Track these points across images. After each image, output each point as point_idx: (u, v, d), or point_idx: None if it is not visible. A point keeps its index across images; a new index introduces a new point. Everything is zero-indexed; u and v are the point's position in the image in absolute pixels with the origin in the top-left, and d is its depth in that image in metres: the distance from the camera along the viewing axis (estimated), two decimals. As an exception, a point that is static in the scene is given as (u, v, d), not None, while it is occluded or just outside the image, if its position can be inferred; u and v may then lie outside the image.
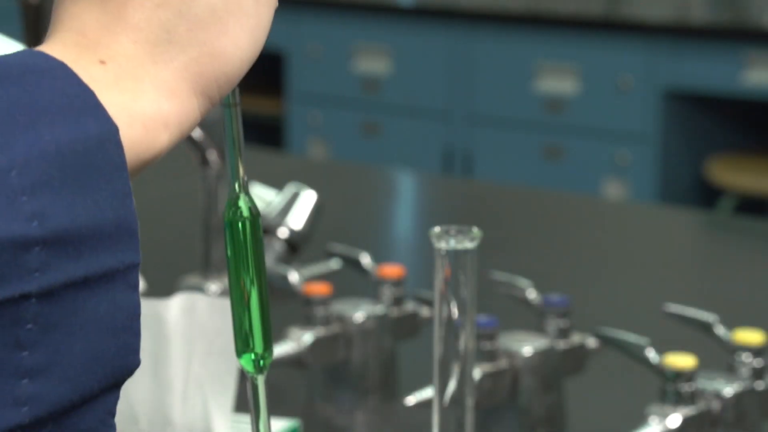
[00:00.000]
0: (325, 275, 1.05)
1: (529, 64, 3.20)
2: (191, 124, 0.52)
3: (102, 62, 0.51)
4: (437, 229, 0.68)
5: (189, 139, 1.04)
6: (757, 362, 0.89)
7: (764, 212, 3.11)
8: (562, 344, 0.94)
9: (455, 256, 0.67)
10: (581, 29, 3.14)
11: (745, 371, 0.89)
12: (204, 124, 1.04)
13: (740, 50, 2.98)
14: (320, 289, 0.98)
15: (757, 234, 1.55)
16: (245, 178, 0.58)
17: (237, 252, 0.55)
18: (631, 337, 0.90)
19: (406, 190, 1.81)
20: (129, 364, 0.51)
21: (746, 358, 0.89)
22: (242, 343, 0.55)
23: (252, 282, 0.56)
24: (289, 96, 3.51)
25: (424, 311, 1.01)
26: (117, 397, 0.52)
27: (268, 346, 0.55)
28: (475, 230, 0.68)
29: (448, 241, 0.67)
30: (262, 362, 0.55)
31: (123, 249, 0.50)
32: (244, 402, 0.84)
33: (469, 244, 0.68)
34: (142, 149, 0.51)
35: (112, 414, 0.52)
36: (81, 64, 0.50)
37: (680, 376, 0.86)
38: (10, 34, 1.20)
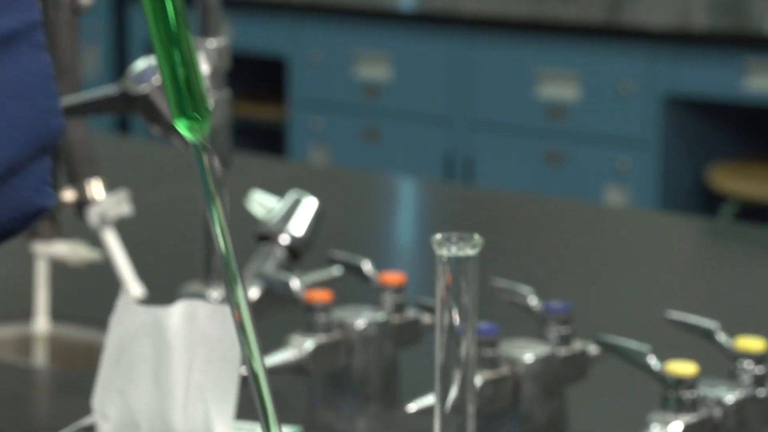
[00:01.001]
0: (327, 282, 1.05)
1: (530, 70, 3.20)
2: None
3: None
4: (439, 236, 0.68)
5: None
6: (759, 369, 0.89)
7: (765, 219, 3.11)
8: (563, 351, 0.94)
9: (456, 263, 0.67)
10: (582, 35, 3.14)
11: (746, 378, 0.89)
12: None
13: (741, 57, 2.98)
14: (321, 295, 0.98)
15: (758, 240, 1.55)
16: None
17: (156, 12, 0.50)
18: (632, 344, 0.90)
19: (407, 197, 1.81)
20: (52, 127, 0.49)
21: (748, 365, 0.89)
22: (176, 107, 0.51)
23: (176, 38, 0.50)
24: (290, 102, 3.52)
25: (426, 318, 1.01)
26: (49, 165, 0.50)
27: (205, 107, 0.51)
28: (477, 237, 0.68)
29: (450, 248, 0.67)
30: (200, 127, 0.51)
31: (21, 7, 0.48)
32: (245, 409, 0.84)
33: (470, 251, 0.68)
34: None
35: (47, 182, 0.50)
36: None
37: (682, 383, 0.86)
38: None
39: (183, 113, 0.51)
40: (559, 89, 3.17)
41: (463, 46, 3.28)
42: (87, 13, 1.14)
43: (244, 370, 0.95)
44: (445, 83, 3.31)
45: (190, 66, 0.51)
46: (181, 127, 0.51)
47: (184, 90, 0.51)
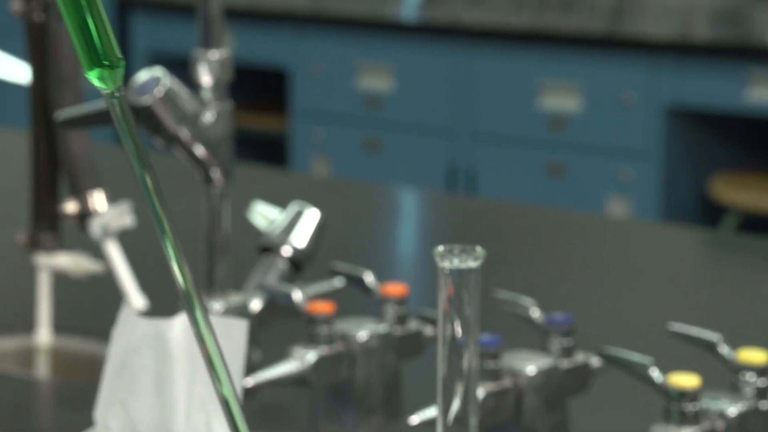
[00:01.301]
0: (329, 294, 1.05)
1: (532, 81, 3.20)
2: None
3: None
4: (441, 248, 0.67)
5: (193, 158, 1.04)
6: (762, 382, 0.89)
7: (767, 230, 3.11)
8: (565, 363, 0.94)
9: (459, 275, 0.67)
10: (584, 46, 3.14)
11: (749, 391, 0.89)
12: (207, 142, 1.04)
13: (743, 68, 2.99)
14: (324, 307, 0.98)
15: (760, 252, 1.55)
16: None
17: None
18: (634, 356, 0.90)
19: (409, 208, 1.81)
20: None
21: (750, 377, 0.89)
22: (87, 59, 0.50)
23: None
24: (292, 113, 3.52)
25: (428, 330, 1.01)
26: None
27: (116, 56, 0.50)
28: (479, 249, 0.68)
29: (452, 261, 0.67)
30: (112, 75, 0.50)
31: None
32: (248, 420, 0.84)
33: (472, 264, 0.68)
34: None
35: None
36: None
37: (684, 395, 0.86)
38: (15, 51, 1.21)
39: (94, 64, 0.50)
40: (561, 100, 3.17)
41: (465, 57, 3.29)
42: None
43: (246, 382, 0.94)
44: (447, 94, 3.32)
45: (96, 15, 0.50)
46: (94, 78, 0.50)
47: (94, 40, 0.50)
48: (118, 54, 0.51)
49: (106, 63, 0.50)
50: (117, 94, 0.51)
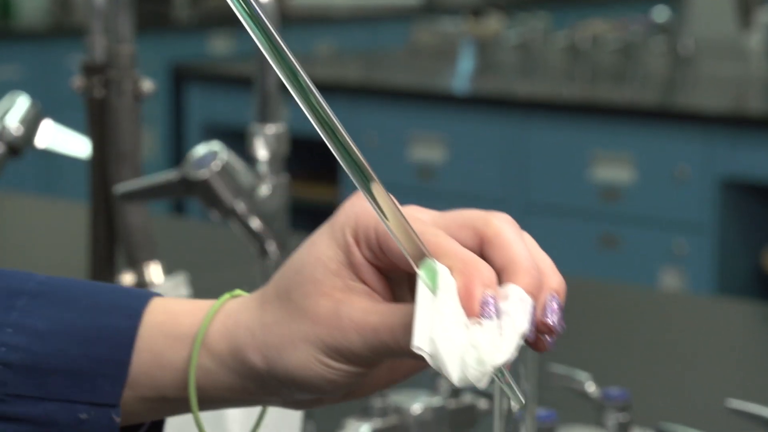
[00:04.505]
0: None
1: (584, 153, 3.20)
2: None
3: None
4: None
5: (249, 230, 1.04)
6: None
7: (824, 302, 3.07)
8: (622, 439, 0.93)
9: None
10: (637, 118, 3.14)
11: (809, 469, 0.87)
12: (263, 215, 1.05)
13: (797, 139, 2.97)
14: (378, 380, 0.97)
15: (818, 326, 1.53)
16: None
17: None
18: (692, 433, 0.89)
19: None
20: None
21: (810, 455, 0.88)
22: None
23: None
24: (344, 183, 3.54)
25: (482, 403, 1.01)
26: None
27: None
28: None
29: (509, 336, 0.67)
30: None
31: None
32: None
33: (529, 339, 0.67)
34: None
35: None
36: None
37: (743, 473, 0.85)
38: (76, 126, 1.23)
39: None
40: (614, 172, 3.16)
41: (517, 128, 3.30)
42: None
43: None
44: (499, 165, 3.32)
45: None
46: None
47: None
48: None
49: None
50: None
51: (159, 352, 0.61)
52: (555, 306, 0.59)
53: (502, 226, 0.60)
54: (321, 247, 0.60)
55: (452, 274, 0.57)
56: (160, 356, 0.61)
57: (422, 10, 5.21)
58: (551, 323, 0.59)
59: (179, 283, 1.14)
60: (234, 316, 0.61)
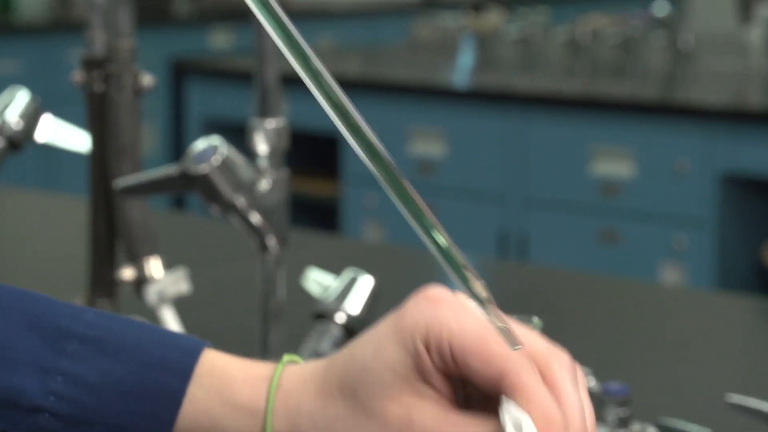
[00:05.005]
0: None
1: (584, 148, 3.20)
2: None
3: None
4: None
5: (248, 225, 1.04)
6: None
7: (824, 297, 3.07)
8: (622, 434, 0.93)
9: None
10: (637, 113, 3.14)
11: (809, 464, 0.87)
12: (263, 210, 1.05)
13: (797, 134, 2.97)
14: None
15: (818, 321, 1.53)
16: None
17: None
18: (693, 428, 0.89)
19: (462, 275, 1.81)
20: None
21: (810, 450, 0.87)
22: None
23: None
24: (344, 178, 3.54)
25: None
26: None
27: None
28: (536, 320, 0.68)
29: (509, 331, 0.67)
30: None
31: None
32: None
33: (529, 334, 0.67)
34: None
35: None
36: None
37: (743, 468, 0.85)
38: (75, 121, 1.23)
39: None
40: (614, 167, 3.16)
41: (517, 122, 3.29)
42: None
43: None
44: (499, 160, 3.32)
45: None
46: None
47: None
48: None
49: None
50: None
51: (217, 419, 0.61)
52: None
53: (562, 375, 0.60)
54: (389, 351, 0.60)
55: (532, 420, 0.58)
56: (219, 424, 0.61)
57: (422, 5, 5.21)
58: None
59: (179, 278, 1.14)
60: (295, 398, 0.61)
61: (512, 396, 0.58)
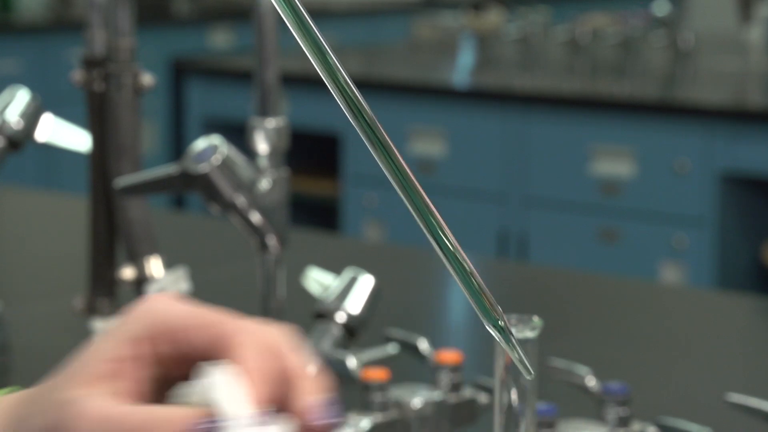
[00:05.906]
0: (383, 360, 1.04)
1: (584, 147, 3.20)
2: None
3: None
4: (498, 317, 0.67)
5: (249, 224, 1.04)
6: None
7: (824, 297, 3.07)
8: (622, 433, 0.93)
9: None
10: (637, 112, 3.14)
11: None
12: (263, 209, 1.05)
13: (797, 134, 2.97)
14: (378, 374, 0.97)
15: (818, 320, 1.53)
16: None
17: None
18: (693, 428, 0.89)
19: (462, 274, 1.81)
20: None
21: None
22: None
23: None
24: (344, 178, 3.54)
25: (482, 398, 1.01)
26: None
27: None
28: (536, 319, 0.68)
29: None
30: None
31: None
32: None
33: (529, 334, 0.68)
34: None
35: None
36: None
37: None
38: (75, 120, 1.23)
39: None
40: (614, 166, 3.16)
41: (517, 122, 3.29)
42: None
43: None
44: (498, 159, 3.32)
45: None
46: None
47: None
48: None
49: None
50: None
51: None
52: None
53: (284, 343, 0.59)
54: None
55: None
56: None
57: (422, 5, 5.21)
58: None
59: (179, 278, 1.14)
60: None
61: (230, 351, 0.57)
